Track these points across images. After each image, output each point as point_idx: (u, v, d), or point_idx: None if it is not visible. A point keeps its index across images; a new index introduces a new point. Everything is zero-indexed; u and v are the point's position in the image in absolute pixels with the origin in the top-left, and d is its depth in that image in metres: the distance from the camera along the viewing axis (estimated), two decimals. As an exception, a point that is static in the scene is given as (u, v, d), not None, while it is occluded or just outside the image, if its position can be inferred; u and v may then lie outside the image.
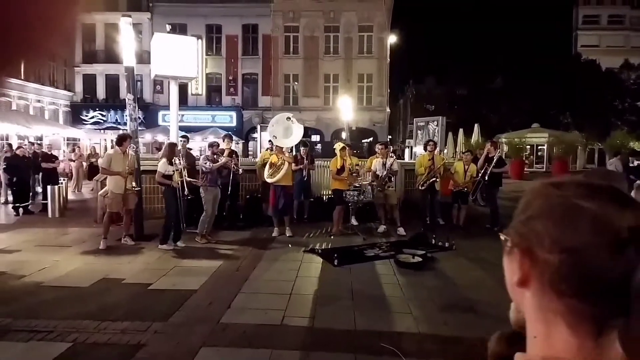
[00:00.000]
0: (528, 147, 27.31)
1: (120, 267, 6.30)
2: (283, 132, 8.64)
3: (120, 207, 7.52)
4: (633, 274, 0.51)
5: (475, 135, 25.82)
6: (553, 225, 0.57)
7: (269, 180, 8.37)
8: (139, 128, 8.72)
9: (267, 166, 8.43)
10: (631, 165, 11.81)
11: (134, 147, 7.90)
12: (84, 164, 14.18)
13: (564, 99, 34.68)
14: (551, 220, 0.58)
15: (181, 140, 8.75)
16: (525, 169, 24.80)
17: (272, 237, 8.27)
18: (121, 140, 7.59)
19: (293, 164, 8.66)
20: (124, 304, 4.84)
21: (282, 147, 8.52)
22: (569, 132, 29.39)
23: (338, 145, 8.79)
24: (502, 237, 0.66)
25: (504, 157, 10.37)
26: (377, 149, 9.21)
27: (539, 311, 0.59)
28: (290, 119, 8.84)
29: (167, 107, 27.68)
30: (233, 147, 9.42)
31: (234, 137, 26.09)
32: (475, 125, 26.78)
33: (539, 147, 28.84)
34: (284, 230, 8.44)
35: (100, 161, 9.77)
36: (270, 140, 10.25)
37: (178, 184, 7.18)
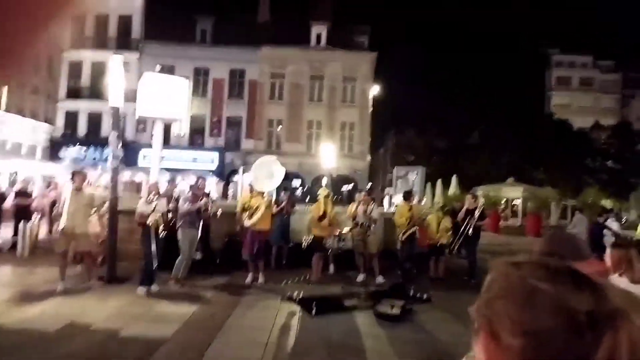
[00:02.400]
0: (503, 200, 27.89)
1: (89, 311, 6.04)
2: (266, 175, 8.66)
3: (68, 247, 7.11)
4: (594, 356, 0.52)
5: (453, 187, 26.37)
6: (513, 308, 0.58)
7: (245, 224, 8.28)
8: (120, 166, 8.63)
9: (241, 208, 8.39)
10: (600, 222, 12.01)
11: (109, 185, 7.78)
12: (61, 200, 13.84)
13: (538, 155, 35.94)
14: (511, 302, 0.58)
15: (171, 182, 8.72)
16: (501, 222, 25.21)
17: (250, 284, 8.10)
18: (74, 177, 7.27)
19: (274, 207, 8.64)
20: (91, 352, 4.62)
21: (262, 191, 8.52)
22: (543, 188, 30.22)
23: (323, 192, 8.84)
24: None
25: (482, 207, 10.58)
26: (358, 197, 9.29)
27: None
28: (274, 162, 8.91)
29: (149, 146, 27.64)
30: (207, 189, 9.36)
31: (216, 179, 26.07)
32: (453, 176, 27.40)
33: (514, 202, 29.47)
34: (257, 276, 8.28)
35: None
36: (250, 184, 10.27)
37: (155, 223, 7.04)
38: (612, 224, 11.76)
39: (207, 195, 9.26)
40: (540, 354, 0.54)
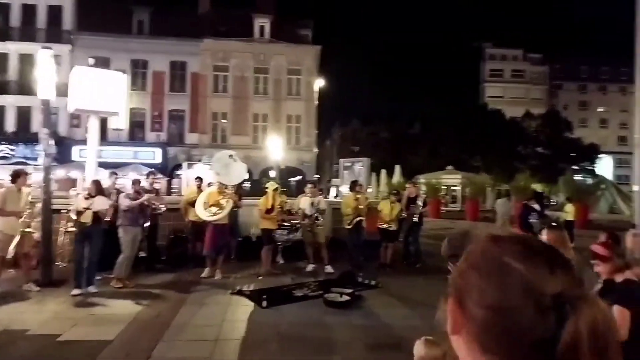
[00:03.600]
0: (444, 187, 29.08)
1: (25, 316, 5.68)
2: (225, 170, 8.51)
3: (6, 251, 6.74)
4: (556, 338, 0.53)
5: (397, 176, 27.13)
6: (483, 281, 0.59)
7: (209, 219, 8.11)
8: (52, 164, 8.15)
9: (200, 203, 8.20)
10: (527, 204, 13.41)
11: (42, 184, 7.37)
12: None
13: (474, 144, 37.70)
14: (482, 276, 0.60)
15: (114, 177, 8.34)
16: (442, 208, 26.29)
17: (198, 280, 7.94)
18: (15, 177, 6.92)
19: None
20: (29, 359, 4.36)
21: (226, 185, 8.38)
22: (479, 174, 31.79)
23: (271, 185, 8.81)
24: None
25: (424, 196, 11.07)
26: (306, 189, 9.35)
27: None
28: (232, 156, 8.75)
29: (83, 142, 26.20)
30: (157, 185, 9.07)
31: (158, 174, 25.18)
32: (397, 166, 28.20)
33: (453, 188, 30.84)
34: (214, 272, 8.15)
35: None
36: (197, 177, 10.05)
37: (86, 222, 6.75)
38: (535, 205, 13.23)
39: (157, 191, 8.97)
40: (502, 329, 0.56)
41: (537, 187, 30.59)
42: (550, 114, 45.74)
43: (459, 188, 30.04)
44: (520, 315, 0.55)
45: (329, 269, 8.69)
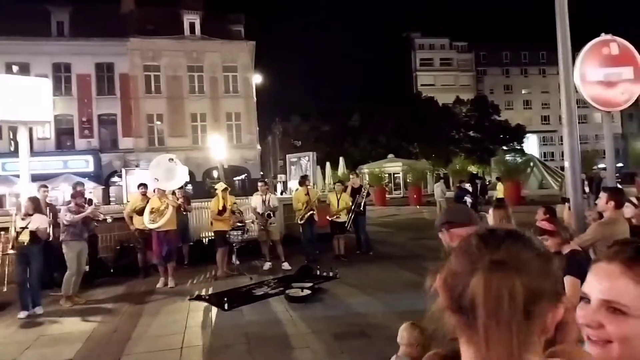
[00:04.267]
0: (387, 175, 29.96)
1: (-32, 346, 5.28)
2: (165, 174, 8.24)
3: None
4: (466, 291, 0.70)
5: (341, 168, 27.57)
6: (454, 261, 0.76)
7: (150, 226, 7.85)
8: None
9: (148, 211, 7.92)
10: (460, 186, 14.72)
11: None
12: None
13: (411, 131, 39.05)
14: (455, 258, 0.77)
15: (43, 190, 7.83)
16: (387, 195, 27.10)
17: (152, 290, 7.70)
18: None
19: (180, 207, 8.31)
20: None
21: (165, 190, 8.13)
22: (419, 161, 33.02)
23: (220, 186, 8.68)
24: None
25: (367, 186, 11.42)
26: (258, 186, 9.33)
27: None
28: (172, 160, 8.50)
29: (6, 155, 24.40)
30: (89, 195, 8.65)
31: (93, 184, 23.89)
32: (340, 158, 28.64)
33: (396, 175, 31.83)
34: (167, 280, 7.93)
35: None
36: (141, 184, 9.69)
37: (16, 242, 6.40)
38: (466, 185, 14.55)
39: (90, 201, 8.53)
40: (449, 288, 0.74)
41: (472, 169, 32.25)
42: (478, 99, 48.26)
43: (400, 175, 31.03)
44: (459, 278, 0.72)
45: (286, 265, 8.74)
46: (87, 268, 8.23)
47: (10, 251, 6.44)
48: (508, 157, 26.94)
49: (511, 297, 0.67)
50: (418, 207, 22.83)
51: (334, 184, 10.98)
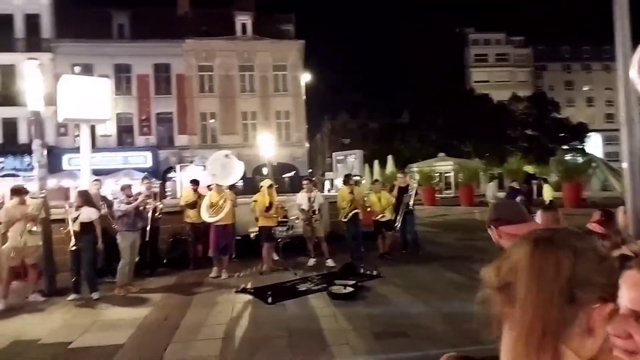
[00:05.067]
0: (437, 175, 29.30)
1: (34, 326, 5.70)
2: (222, 170, 8.53)
3: (15, 262, 6.81)
4: None
5: (390, 166, 27.27)
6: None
7: (209, 220, 8.16)
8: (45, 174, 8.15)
9: (206, 206, 8.25)
10: (513, 187, 14.12)
11: (43, 194, 7.38)
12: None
13: (463, 130, 37.94)
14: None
15: (95, 184, 8.31)
16: (437, 195, 26.51)
17: (201, 281, 7.99)
18: (15, 193, 7.05)
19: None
20: (42, 368, 4.40)
21: (222, 186, 8.42)
22: (471, 160, 32.02)
23: (265, 183, 8.84)
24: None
25: (416, 185, 11.26)
26: (303, 184, 9.43)
27: None
28: (228, 156, 8.77)
29: (72, 150, 26.03)
30: (154, 189, 9.07)
31: (153, 179, 25.08)
32: (389, 156, 28.32)
33: (447, 175, 31.06)
34: (221, 272, 8.21)
35: None
36: (192, 180, 10.07)
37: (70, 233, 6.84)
38: (518, 185, 14.15)
39: (155, 195, 8.99)
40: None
41: (529, 169, 30.92)
42: (536, 95, 46.12)
43: (452, 174, 30.25)
44: (508, 258, 0.74)
45: (330, 262, 8.77)
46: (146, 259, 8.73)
47: (73, 247, 6.88)
48: (568, 157, 25.54)
49: (555, 271, 0.66)
50: (469, 207, 22.18)
51: (372, 183, 10.91)
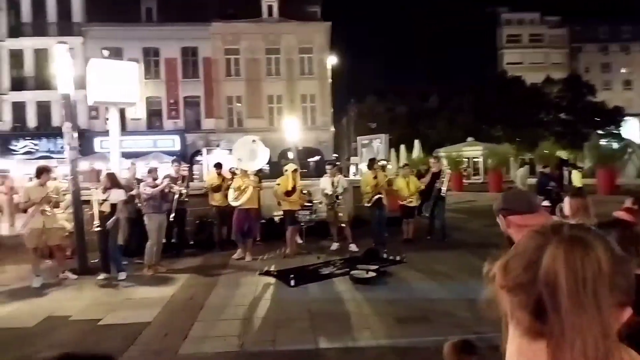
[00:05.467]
0: (465, 160, 28.74)
1: (66, 303, 5.95)
2: (248, 155, 8.63)
3: (39, 243, 6.94)
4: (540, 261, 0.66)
5: (417, 151, 26.90)
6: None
7: (234, 204, 8.29)
8: (77, 156, 8.39)
9: (233, 189, 8.38)
10: (544, 172, 13.57)
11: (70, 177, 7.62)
12: (16, 196, 13.26)
13: (494, 113, 36.96)
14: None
15: (132, 167, 8.54)
16: (464, 180, 26.05)
17: (226, 262, 8.13)
18: (39, 173, 7.08)
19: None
20: (74, 342, 4.58)
21: (247, 170, 8.52)
22: (501, 145, 31.22)
23: (290, 167, 8.86)
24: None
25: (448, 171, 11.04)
26: (326, 169, 9.41)
27: None
28: (255, 141, 8.85)
29: (103, 133, 26.63)
30: (183, 172, 9.22)
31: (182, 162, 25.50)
32: (416, 141, 27.91)
33: (475, 160, 30.42)
34: (245, 254, 8.34)
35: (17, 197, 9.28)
36: (216, 164, 10.18)
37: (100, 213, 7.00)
38: (549, 171, 13.61)
39: (184, 178, 9.15)
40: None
41: (562, 154, 29.95)
42: (571, 78, 44.35)
43: (480, 159, 29.60)
44: (525, 256, 0.67)
45: (353, 247, 8.77)
46: (173, 239, 8.93)
47: (96, 228, 7.05)
48: (603, 142, 24.63)
49: (598, 272, 0.61)
50: (498, 193, 21.74)
51: (400, 167, 10.76)
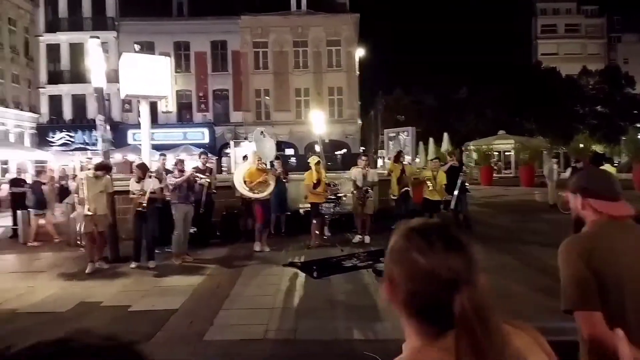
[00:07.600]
0: (496, 153, 28.12)
1: (97, 290, 6.21)
2: (268, 147, 8.80)
3: (92, 229, 7.38)
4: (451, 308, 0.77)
5: (445, 144, 26.48)
6: (401, 275, 0.83)
7: (255, 197, 8.38)
8: (110, 148, 8.71)
9: (245, 182, 8.46)
10: (576, 167, 13.15)
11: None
12: (55, 186, 13.79)
13: (527, 106, 35.95)
14: (400, 271, 0.84)
15: (162, 158, 8.77)
16: (495, 174, 25.52)
17: (251, 253, 8.28)
18: (99, 168, 7.58)
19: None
20: (104, 327, 4.78)
21: (265, 164, 8.66)
22: (534, 138, 30.38)
23: (313, 160, 8.90)
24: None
25: (473, 164, 10.91)
26: (359, 161, 9.40)
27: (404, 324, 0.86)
28: (262, 133, 8.96)
29: (136, 126, 27.35)
30: (210, 165, 9.43)
31: (210, 155, 25.96)
32: (445, 133, 27.47)
33: (507, 154, 29.72)
34: (263, 245, 8.47)
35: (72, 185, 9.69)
36: (245, 156, 10.35)
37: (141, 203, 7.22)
38: (580, 165, 13.17)
39: (211, 170, 9.38)
40: (417, 304, 0.82)
41: (598, 148, 28.90)
42: (609, 69, 42.63)
43: (512, 153, 28.89)
44: (425, 296, 0.80)
45: (366, 239, 8.81)
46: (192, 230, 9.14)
47: (143, 209, 7.31)
48: (641, 135, 23.64)
49: (492, 310, 0.79)
50: (529, 188, 21.22)
51: (429, 160, 10.64)
